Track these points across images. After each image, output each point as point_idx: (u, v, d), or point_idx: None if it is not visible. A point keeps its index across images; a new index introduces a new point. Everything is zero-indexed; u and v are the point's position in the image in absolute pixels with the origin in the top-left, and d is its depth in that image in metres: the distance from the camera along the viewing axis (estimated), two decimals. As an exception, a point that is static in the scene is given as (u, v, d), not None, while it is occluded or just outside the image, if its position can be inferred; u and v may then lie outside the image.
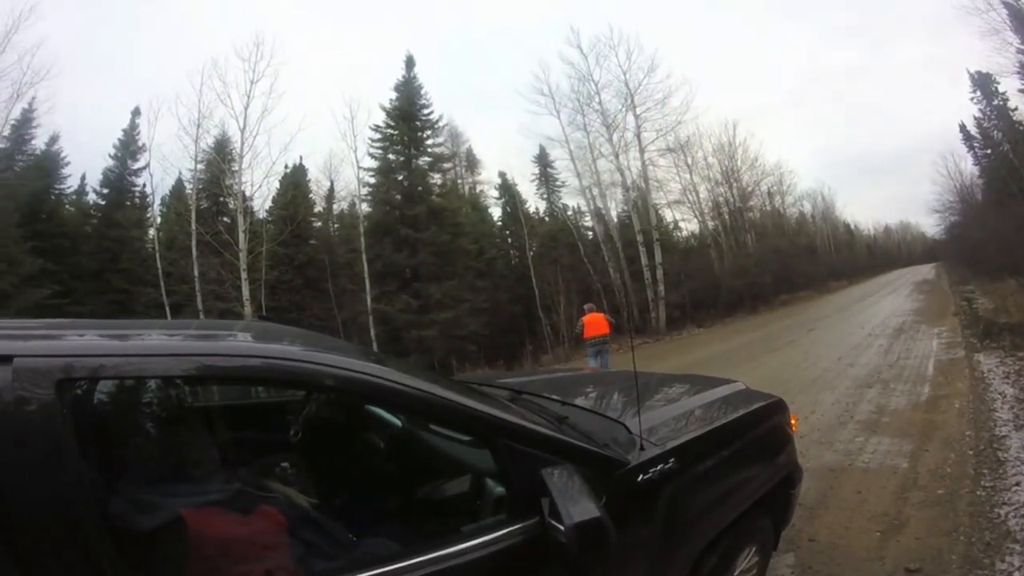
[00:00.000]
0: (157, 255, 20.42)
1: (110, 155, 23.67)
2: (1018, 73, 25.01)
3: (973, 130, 34.28)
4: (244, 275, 18.96)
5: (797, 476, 2.73)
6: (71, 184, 23.54)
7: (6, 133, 20.00)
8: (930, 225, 63.61)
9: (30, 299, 17.15)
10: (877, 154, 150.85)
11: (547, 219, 32.26)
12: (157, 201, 23.85)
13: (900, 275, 52.24)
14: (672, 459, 1.89)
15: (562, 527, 1.33)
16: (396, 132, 23.04)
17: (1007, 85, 28.55)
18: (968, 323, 11.95)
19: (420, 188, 22.68)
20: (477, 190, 35.25)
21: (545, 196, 33.21)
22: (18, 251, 17.94)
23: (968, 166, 38.04)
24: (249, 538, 1.41)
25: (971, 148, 35.11)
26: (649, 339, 20.91)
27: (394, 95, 23.58)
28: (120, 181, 23.53)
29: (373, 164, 23.15)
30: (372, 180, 23.16)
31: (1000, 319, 10.79)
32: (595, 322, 11.37)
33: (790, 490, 2.66)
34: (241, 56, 20.49)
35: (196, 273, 19.19)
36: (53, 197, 22.35)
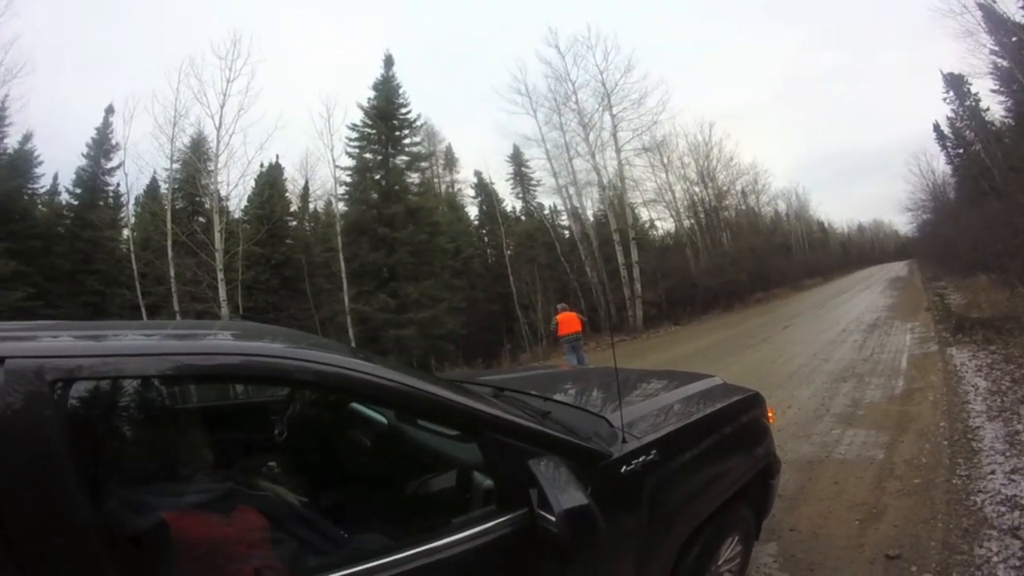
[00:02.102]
0: (132, 256, 19.90)
1: (83, 154, 23.10)
2: (991, 74, 25.65)
3: (946, 130, 35.06)
4: (220, 275, 18.65)
5: (776, 467, 2.79)
6: (44, 184, 22.92)
7: None
8: (903, 223, 65.17)
9: (3, 302, 16.68)
10: (853, 155, 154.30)
11: (523, 218, 32.35)
12: (131, 201, 23.29)
13: (874, 272, 53.17)
14: (653, 451, 1.94)
15: (552, 516, 1.35)
16: (374, 131, 22.86)
17: (979, 86, 29.25)
18: (941, 318, 12.20)
19: (397, 187, 22.52)
20: (455, 189, 35.23)
21: (520, 195, 33.37)
22: None
23: (941, 165, 39.14)
24: (236, 538, 1.41)
25: (944, 148, 35.91)
26: (627, 337, 21.04)
27: (372, 94, 23.40)
28: (93, 180, 22.93)
29: (350, 163, 22.96)
30: (348, 179, 22.97)
31: (972, 314, 11.02)
32: (567, 320, 11.92)
33: (769, 480, 2.73)
34: (218, 54, 20.09)
35: (172, 274, 18.78)
36: (26, 197, 21.69)
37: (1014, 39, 22.45)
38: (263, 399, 2.61)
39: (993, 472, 4.11)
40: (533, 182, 32.25)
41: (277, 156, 27.97)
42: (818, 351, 10.39)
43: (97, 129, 23.29)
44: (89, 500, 1.07)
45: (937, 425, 5.40)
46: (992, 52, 24.04)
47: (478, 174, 32.69)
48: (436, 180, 33.44)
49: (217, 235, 18.90)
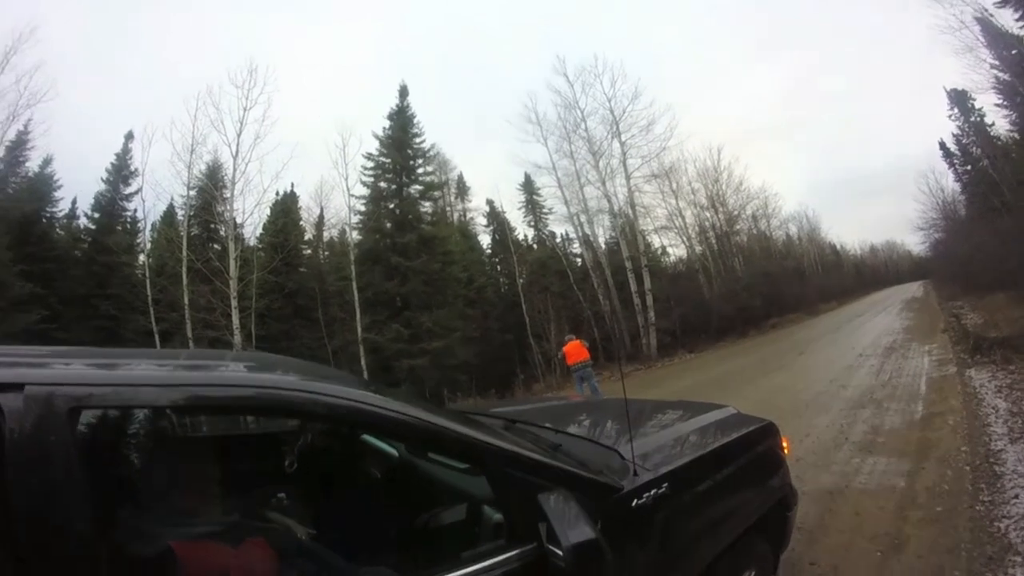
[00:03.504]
0: (147, 281, 20.03)
1: (102, 179, 23.56)
2: (993, 88, 25.45)
3: (952, 147, 35.03)
4: (234, 303, 18.73)
5: (793, 499, 2.74)
6: (62, 207, 23.36)
7: (0, 155, 19.92)
8: (915, 243, 64.44)
9: (18, 323, 16.85)
10: (863, 176, 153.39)
11: (535, 246, 32.35)
12: (148, 227, 23.62)
13: (889, 294, 52.60)
14: (665, 484, 1.91)
15: (560, 551, 1.34)
16: (388, 160, 23.17)
17: (983, 101, 29.00)
18: (958, 339, 12.01)
19: (411, 216, 22.74)
20: (467, 217, 35.42)
21: (532, 223, 33.44)
22: (7, 274, 17.65)
23: (949, 183, 38.80)
24: (244, 569, 1.40)
25: (951, 165, 35.83)
26: (641, 365, 20.87)
27: (387, 123, 23.80)
28: (111, 205, 23.35)
29: (364, 192, 23.22)
30: (362, 208, 23.19)
31: (990, 333, 10.85)
32: (573, 350, 12.00)
33: (786, 513, 2.67)
34: (235, 83, 20.45)
35: (186, 300, 18.90)
36: (44, 220, 22.08)
37: (1014, 52, 22.35)
38: (274, 429, 2.61)
39: (1017, 496, 4.01)
40: (545, 210, 32.32)
41: (292, 184, 28.33)
42: (835, 377, 10.23)
43: (116, 155, 23.75)
44: (99, 526, 1.09)
45: (958, 450, 5.29)
46: (993, 66, 23.93)
47: (490, 203, 32.93)
48: (448, 209, 33.68)
49: (232, 262, 19.05)
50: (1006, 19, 22.09)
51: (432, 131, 55.06)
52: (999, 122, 28.97)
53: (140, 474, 1.50)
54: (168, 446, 1.57)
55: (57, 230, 23.02)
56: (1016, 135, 26.95)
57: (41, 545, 0.99)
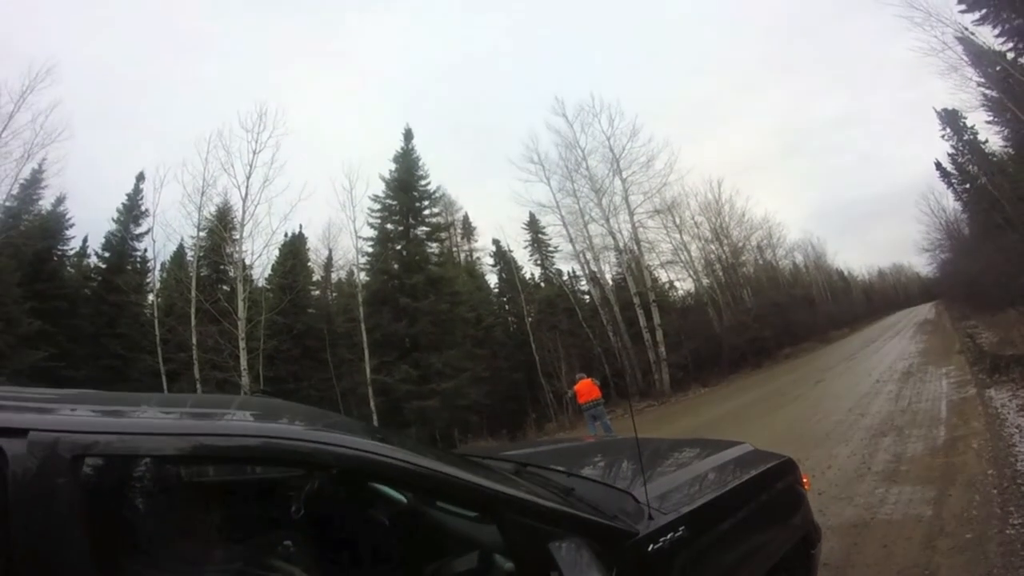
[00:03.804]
0: (156, 321, 20.15)
1: (113, 219, 23.94)
2: (983, 106, 25.68)
3: (949, 166, 35.16)
4: (243, 344, 18.76)
5: (816, 536, 2.67)
6: (73, 245, 23.72)
7: (15, 192, 20.21)
8: (922, 264, 64.39)
9: (26, 360, 16.95)
10: (865, 200, 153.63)
11: (543, 284, 32.42)
12: (158, 267, 23.92)
13: (900, 317, 52.25)
14: (682, 527, 1.85)
15: None
16: (395, 202, 23.51)
17: (974, 119, 29.37)
18: (975, 359, 11.85)
19: (418, 257, 22.96)
20: (473, 257, 35.66)
21: (539, 262, 33.51)
22: (17, 311, 17.83)
23: (950, 202, 39.04)
24: None
25: (949, 184, 35.93)
26: (655, 402, 20.68)
27: (393, 166, 24.22)
28: (122, 245, 23.65)
29: (371, 233, 23.49)
30: (370, 249, 23.44)
31: (1006, 351, 10.69)
32: (584, 389, 11.92)
33: (810, 551, 2.59)
34: (245, 126, 20.84)
35: (194, 341, 18.95)
36: (55, 258, 22.34)
37: (998, 68, 22.53)
38: (280, 475, 2.57)
39: (1048, 517, 3.88)
40: (550, 248, 32.35)
41: (301, 226, 28.62)
42: (853, 405, 10.07)
43: (128, 195, 24.21)
44: (102, 573, 1.09)
45: (985, 473, 5.16)
46: (980, 84, 24.08)
47: (496, 242, 33.07)
48: (455, 249, 33.92)
49: (240, 303, 19.15)
50: (986, 36, 22.35)
51: (437, 172, 56.12)
52: (992, 139, 29.50)
53: (144, 521, 1.48)
54: (172, 493, 1.56)
55: (68, 268, 23.36)
56: (1011, 150, 27.16)
57: None
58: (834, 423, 8.82)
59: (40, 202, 22.14)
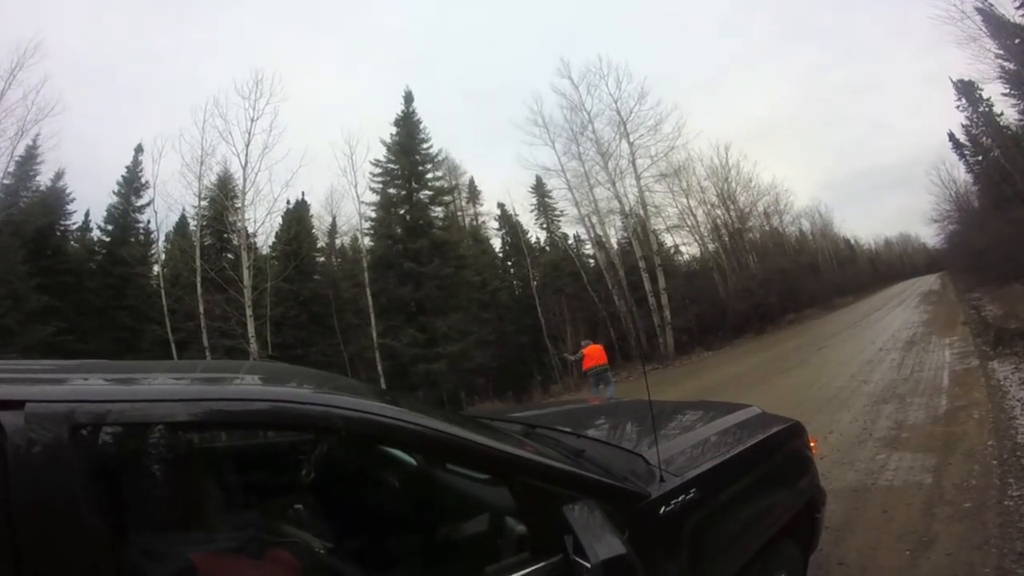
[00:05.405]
0: (162, 292, 20.36)
1: (114, 192, 23.99)
2: (1000, 78, 25.24)
3: (962, 138, 34.60)
4: (249, 311, 18.93)
5: (821, 499, 2.68)
6: (76, 220, 23.79)
7: (11, 169, 20.23)
8: (930, 235, 63.87)
9: (35, 336, 17.19)
10: (874, 169, 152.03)
11: (548, 248, 32.33)
12: (161, 238, 24.03)
13: (905, 287, 52.04)
14: (693, 489, 1.85)
15: (588, 564, 1.29)
16: (396, 166, 23.31)
17: (991, 91, 28.86)
18: (979, 331, 11.87)
19: (422, 221, 22.86)
20: (478, 221, 35.46)
21: (544, 225, 33.39)
22: (23, 287, 18.02)
23: (961, 174, 38.51)
24: None
25: (962, 156, 35.43)
26: (659, 365, 20.82)
27: (394, 130, 23.95)
28: (124, 217, 23.75)
29: (374, 198, 23.39)
30: (373, 214, 23.39)
31: (1010, 325, 10.66)
32: (593, 353, 11.99)
33: (815, 514, 2.61)
34: (241, 94, 20.78)
35: (201, 310, 19.15)
36: (58, 233, 22.48)
37: (1017, 41, 22.08)
38: (290, 439, 2.59)
39: (1048, 490, 3.90)
40: (556, 212, 32.24)
41: (303, 193, 28.48)
42: (856, 372, 10.12)
43: (127, 167, 24.18)
44: (111, 545, 1.07)
45: (985, 444, 5.18)
46: (998, 56, 23.75)
47: (501, 206, 32.98)
48: (460, 213, 33.70)
49: (245, 272, 19.25)
50: (1007, 7, 21.89)
51: (441, 137, 55.43)
52: (1008, 111, 28.82)
53: (147, 491, 1.47)
54: (177, 460, 1.54)
55: (71, 243, 23.45)
56: (1026, 124, 26.57)
57: (46, 567, 0.96)
58: (836, 389, 8.86)
59: (38, 178, 22.17)
